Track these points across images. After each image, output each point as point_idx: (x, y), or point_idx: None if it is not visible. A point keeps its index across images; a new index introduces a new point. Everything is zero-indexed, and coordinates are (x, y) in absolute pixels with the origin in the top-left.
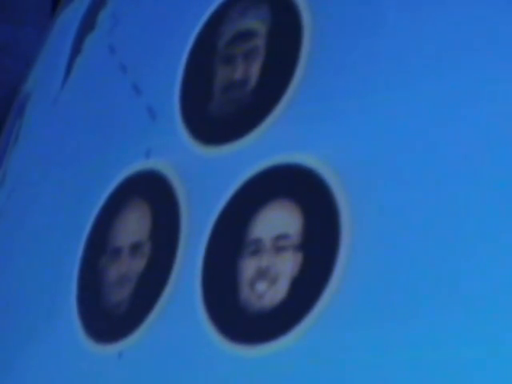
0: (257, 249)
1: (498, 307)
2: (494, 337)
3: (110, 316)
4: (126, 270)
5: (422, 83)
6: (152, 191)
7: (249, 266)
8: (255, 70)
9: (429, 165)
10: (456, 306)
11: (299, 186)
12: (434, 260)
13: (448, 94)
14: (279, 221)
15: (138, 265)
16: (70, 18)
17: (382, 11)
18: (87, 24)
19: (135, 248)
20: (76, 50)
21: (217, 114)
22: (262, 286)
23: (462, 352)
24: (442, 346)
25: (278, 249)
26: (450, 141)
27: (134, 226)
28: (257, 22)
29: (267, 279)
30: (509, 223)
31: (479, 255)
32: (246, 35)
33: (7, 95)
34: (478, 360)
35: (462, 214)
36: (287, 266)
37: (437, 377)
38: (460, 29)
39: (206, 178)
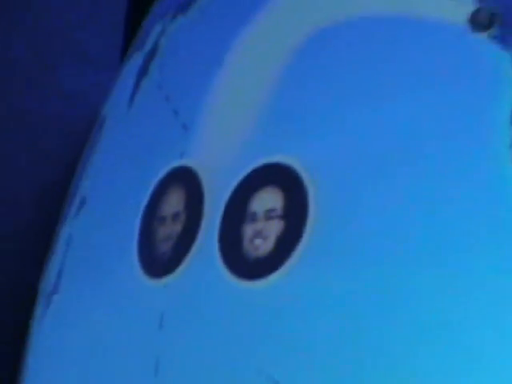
0: (254, 218)
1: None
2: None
3: (159, 261)
4: (169, 231)
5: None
6: (185, 179)
7: (249, 229)
8: None
9: (371, 163)
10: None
11: (282, 177)
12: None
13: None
14: (269, 200)
15: (176, 228)
16: (132, 65)
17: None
18: (144, 69)
19: (175, 216)
20: (135, 87)
21: None
22: (258, 242)
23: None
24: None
25: (268, 218)
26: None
27: (175, 202)
28: None
29: (261, 237)
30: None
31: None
32: None
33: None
34: (438, 285)
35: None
36: (274, 228)
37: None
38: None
39: (222, 169)
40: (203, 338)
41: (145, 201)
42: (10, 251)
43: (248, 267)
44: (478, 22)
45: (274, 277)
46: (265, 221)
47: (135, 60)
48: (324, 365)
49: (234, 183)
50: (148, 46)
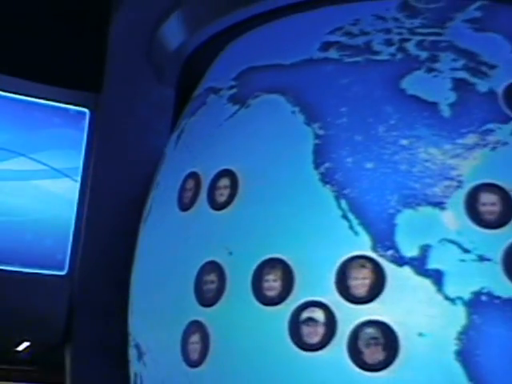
0: None
1: None
2: None
3: None
4: None
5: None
6: None
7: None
8: None
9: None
10: None
11: None
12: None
13: None
14: None
15: None
16: (175, 135)
17: None
18: (178, 137)
19: None
20: (175, 144)
21: None
22: None
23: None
24: None
25: None
26: None
27: None
28: None
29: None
30: None
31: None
32: None
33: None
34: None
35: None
36: None
37: None
38: None
39: None
40: None
41: None
42: None
43: None
44: None
45: None
46: None
47: (175, 133)
48: None
49: None
50: (181, 127)
